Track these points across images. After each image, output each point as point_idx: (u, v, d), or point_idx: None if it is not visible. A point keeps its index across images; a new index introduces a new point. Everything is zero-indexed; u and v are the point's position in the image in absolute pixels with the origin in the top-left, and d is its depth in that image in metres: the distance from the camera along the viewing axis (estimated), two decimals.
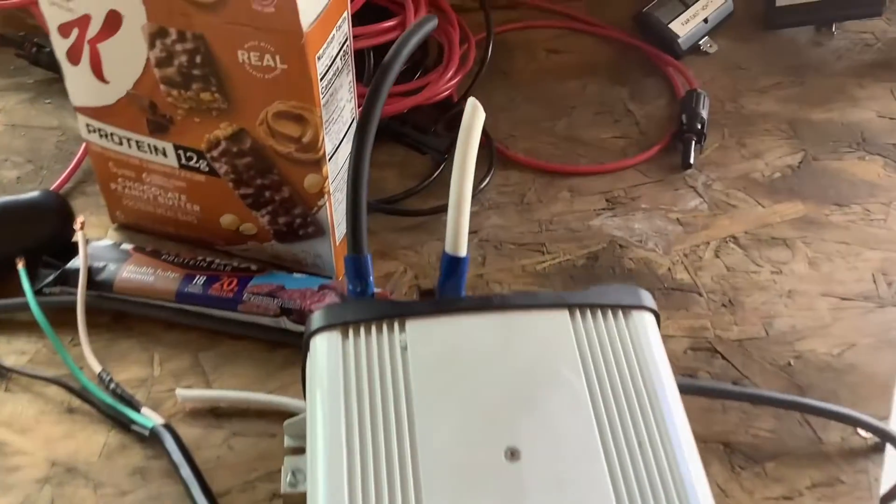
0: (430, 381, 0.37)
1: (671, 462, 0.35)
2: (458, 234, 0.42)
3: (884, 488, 0.46)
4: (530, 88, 0.69)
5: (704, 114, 0.64)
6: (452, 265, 0.42)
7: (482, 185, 0.60)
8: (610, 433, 0.36)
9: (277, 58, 0.41)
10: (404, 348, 0.38)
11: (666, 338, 0.51)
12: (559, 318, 0.40)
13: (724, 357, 0.51)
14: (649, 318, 0.40)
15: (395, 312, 0.40)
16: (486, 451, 0.35)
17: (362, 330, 0.39)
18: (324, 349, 0.39)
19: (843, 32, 0.74)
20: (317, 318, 0.39)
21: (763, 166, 0.63)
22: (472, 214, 0.59)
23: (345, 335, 0.39)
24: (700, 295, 0.54)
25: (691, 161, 0.62)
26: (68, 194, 0.58)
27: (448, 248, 0.42)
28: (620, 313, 0.40)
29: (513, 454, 0.35)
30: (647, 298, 0.41)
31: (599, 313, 0.40)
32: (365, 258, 0.43)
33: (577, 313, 0.40)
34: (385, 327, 0.39)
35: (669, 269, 0.56)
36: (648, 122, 0.66)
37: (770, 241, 0.58)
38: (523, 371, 0.38)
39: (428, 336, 0.39)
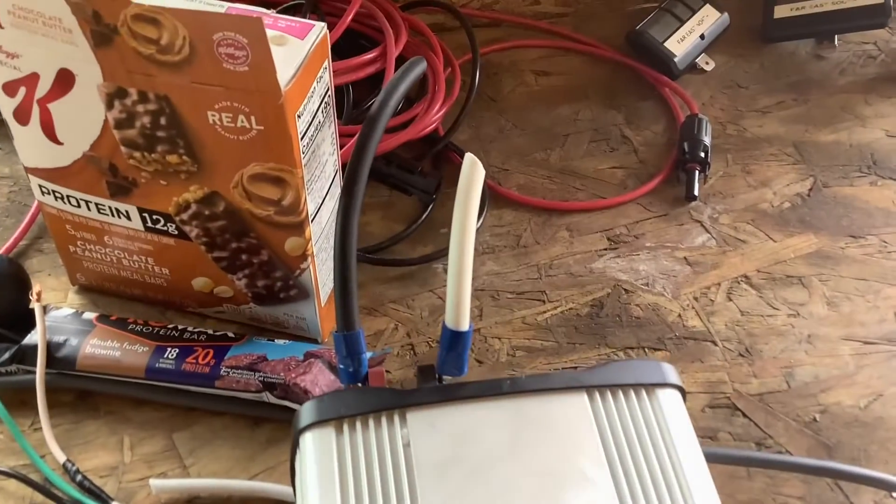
0: (437, 484, 0.33)
1: None
2: (460, 307, 0.37)
3: None
4: (520, 115, 0.64)
5: (707, 140, 0.60)
6: (454, 340, 0.38)
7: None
8: None
9: (253, 119, 0.37)
10: (406, 445, 0.34)
11: None
12: (577, 403, 0.36)
13: (745, 415, 0.47)
14: (675, 397, 0.37)
15: (394, 403, 0.35)
16: None
17: (358, 424, 0.35)
18: (315, 447, 0.34)
19: (844, 44, 0.71)
20: (306, 413, 0.35)
21: (772, 196, 0.59)
22: None
23: (339, 431, 0.35)
24: (715, 344, 0.50)
25: (696, 193, 0.58)
26: (23, 253, 0.53)
27: (449, 322, 0.38)
28: (644, 393, 0.36)
29: None
30: (672, 374, 0.37)
31: (621, 394, 0.36)
32: (357, 334, 0.39)
33: (597, 395, 0.36)
34: (384, 420, 0.35)
35: (680, 315, 0.52)
36: (647, 149, 0.62)
37: (785, 279, 0.54)
38: (541, 470, 0.34)
39: (432, 429, 0.35)
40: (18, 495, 0.43)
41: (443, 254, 0.53)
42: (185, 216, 0.43)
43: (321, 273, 0.46)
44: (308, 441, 0.35)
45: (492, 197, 0.58)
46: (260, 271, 0.45)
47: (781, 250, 0.56)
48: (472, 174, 0.37)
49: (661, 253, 0.55)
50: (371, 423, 0.35)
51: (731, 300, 0.53)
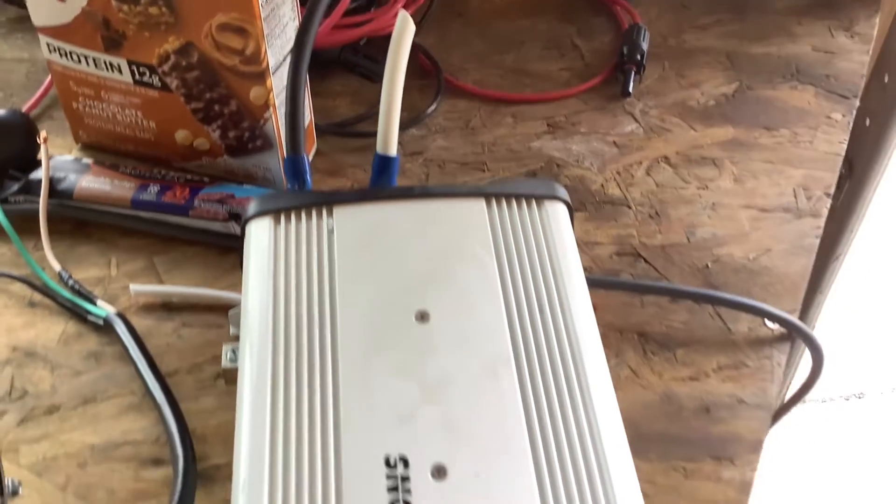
0: (353, 259, 0.41)
1: (569, 328, 0.38)
2: (389, 134, 0.45)
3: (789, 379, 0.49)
4: (482, 26, 0.72)
5: (644, 46, 0.67)
6: (383, 164, 0.45)
7: (429, 111, 0.63)
8: (514, 302, 0.39)
9: None
10: (331, 231, 0.42)
11: (593, 244, 0.55)
12: (476, 206, 0.43)
13: (646, 261, 0.54)
14: (562, 209, 0.44)
15: (324, 200, 0.43)
16: (398, 314, 0.39)
17: (293, 216, 0.43)
18: (257, 234, 0.42)
19: None
20: (252, 206, 0.43)
21: (699, 95, 0.66)
22: (419, 138, 0.62)
23: (277, 221, 0.42)
24: (629, 207, 0.58)
25: (630, 90, 0.65)
26: (36, 119, 0.62)
27: (379, 148, 0.45)
28: (534, 203, 0.44)
29: (423, 316, 0.38)
30: (561, 190, 0.44)
31: (514, 202, 0.44)
32: (302, 158, 0.46)
33: (493, 202, 0.43)
34: (314, 213, 0.43)
35: (602, 185, 0.59)
36: (593, 56, 0.70)
37: (700, 160, 0.61)
38: (438, 249, 0.41)
39: (353, 220, 0.42)
40: (20, 296, 0.51)
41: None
42: (166, 67, 0.51)
43: (282, 124, 0.54)
44: (252, 228, 0.43)
45: (448, 89, 0.66)
46: (230, 122, 0.53)
47: (701, 138, 0.63)
48: (404, 26, 0.44)
49: (593, 137, 0.63)
50: (303, 214, 0.43)
51: (649, 175, 0.60)
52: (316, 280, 0.40)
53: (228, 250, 0.53)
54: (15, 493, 0.38)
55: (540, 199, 0.44)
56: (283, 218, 0.42)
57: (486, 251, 0.41)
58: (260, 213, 0.43)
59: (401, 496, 0.33)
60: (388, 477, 0.33)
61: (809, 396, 2.00)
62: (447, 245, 0.41)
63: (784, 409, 0.60)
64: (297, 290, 0.40)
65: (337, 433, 0.35)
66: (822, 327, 1.92)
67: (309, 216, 0.43)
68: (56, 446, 0.44)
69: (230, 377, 0.46)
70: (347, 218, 0.42)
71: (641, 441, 0.45)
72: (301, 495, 0.33)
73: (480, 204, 0.43)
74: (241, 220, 0.52)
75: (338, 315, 0.38)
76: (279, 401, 0.36)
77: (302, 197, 0.43)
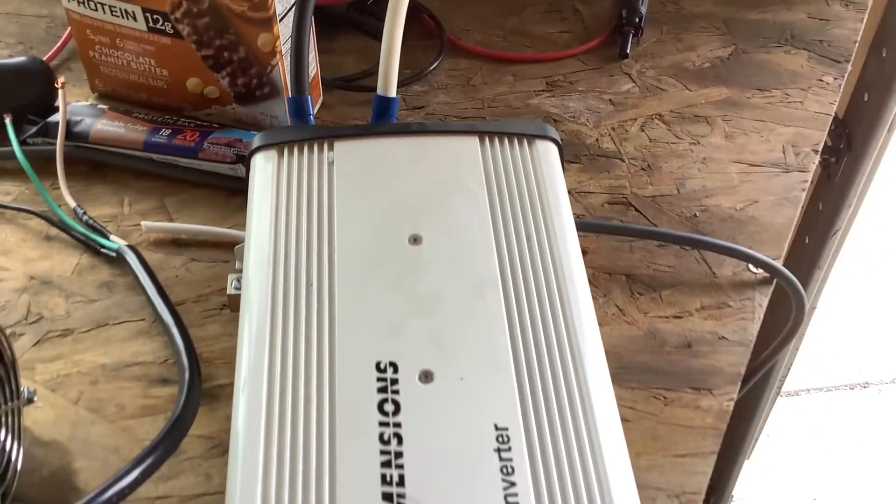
0: (351, 189, 0.43)
1: (555, 255, 0.40)
2: (388, 76, 0.47)
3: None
4: None
5: (643, 9, 0.69)
6: (383, 105, 0.48)
7: (431, 67, 0.66)
8: (503, 229, 0.41)
9: None
10: (331, 163, 0.44)
11: (586, 193, 0.57)
12: (469, 143, 0.45)
13: (637, 209, 0.56)
14: (552, 148, 0.46)
15: (325, 134, 0.45)
16: (392, 237, 0.41)
17: (296, 149, 0.45)
18: (262, 165, 0.45)
19: None
20: (257, 139, 0.45)
21: (695, 58, 0.68)
22: (421, 93, 0.65)
23: (280, 154, 0.45)
24: (622, 160, 0.60)
25: (628, 51, 0.67)
26: (54, 70, 0.64)
27: (379, 90, 0.47)
28: (525, 141, 0.46)
29: (415, 240, 0.41)
30: (551, 130, 0.46)
31: (506, 140, 0.46)
32: (306, 98, 0.48)
33: (486, 139, 0.46)
34: (316, 147, 0.45)
35: (597, 139, 0.61)
36: (594, 20, 0.72)
37: (693, 118, 0.63)
38: (433, 181, 0.43)
39: (352, 153, 0.45)
40: (38, 230, 0.53)
41: (400, 86, 0.63)
42: (178, 14, 0.54)
43: (288, 68, 0.56)
44: (257, 160, 0.45)
45: (451, 48, 0.68)
46: (239, 69, 0.56)
47: (695, 98, 0.65)
48: None
49: (590, 95, 0.65)
50: (305, 148, 0.45)
51: (643, 131, 0.62)
52: (316, 207, 0.42)
53: (235, 192, 0.56)
54: (30, 400, 0.41)
55: (531, 137, 0.46)
56: (286, 150, 0.45)
57: (478, 183, 0.43)
58: (265, 146, 0.45)
59: (389, 396, 0.35)
60: (379, 380, 0.36)
61: (814, 386, 1.99)
62: (441, 177, 0.44)
63: (769, 356, 0.62)
64: (298, 217, 0.42)
65: (332, 342, 0.37)
66: (825, 310, 1.93)
67: (311, 149, 0.45)
68: (69, 365, 0.46)
69: (235, 305, 0.48)
70: (347, 151, 0.45)
71: (624, 371, 0.47)
72: (297, 394, 0.35)
73: (474, 140, 0.45)
74: (246, 161, 0.55)
75: (336, 238, 0.41)
76: (279, 314, 0.38)
77: (305, 131, 0.46)
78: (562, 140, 0.61)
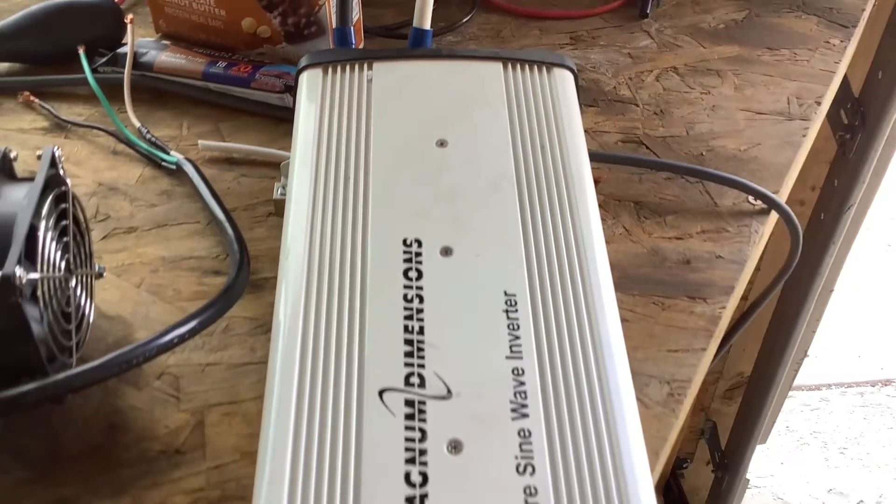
0: (386, 102, 0.49)
1: (565, 161, 0.46)
2: (424, 10, 0.53)
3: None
4: None
5: None
6: (418, 36, 0.53)
7: (464, 20, 0.71)
8: (520, 137, 0.47)
9: None
10: (370, 81, 0.50)
11: (601, 133, 0.62)
12: (493, 67, 0.51)
13: (648, 147, 0.61)
14: (568, 76, 0.51)
15: (365, 56, 0.51)
16: (421, 141, 0.46)
17: (339, 68, 0.51)
18: (309, 81, 0.50)
19: None
20: (304, 59, 0.51)
21: (711, 19, 0.73)
22: (453, 43, 0.70)
23: (325, 72, 0.50)
24: (637, 106, 0.65)
25: (648, 11, 0.72)
26: (124, 12, 0.70)
27: (415, 22, 0.53)
28: (544, 68, 0.51)
29: (441, 143, 0.46)
30: (568, 60, 0.51)
31: (527, 66, 0.51)
32: (349, 29, 0.54)
33: (509, 65, 0.51)
34: (357, 66, 0.51)
35: (615, 87, 0.66)
36: None
37: (705, 71, 0.68)
38: (459, 97, 0.49)
39: (389, 73, 0.50)
40: (105, 145, 0.60)
41: (435, 36, 0.69)
42: None
43: (334, 9, 0.62)
44: (304, 77, 0.51)
45: (483, 4, 0.74)
46: (290, 8, 0.61)
47: (708, 54, 0.70)
48: None
49: (611, 49, 0.70)
50: (347, 67, 0.51)
51: (658, 81, 0.67)
52: (355, 116, 0.48)
53: (282, 121, 0.62)
54: (100, 274, 0.47)
55: (549, 65, 0.51)
56: (330, 69, 0.50)
57: (500, 100, 0.49)
58: (311, 65, 0.51)
59: (414, 266, 0.40)
60: (405, 252, 0.41)
61: (836, 381, 2.02)
62: (467, 94, 0.49)
63: (767, 291, 0.67)
64: (339, 124, 0.48)
65: (365, 221, 0.42)
66: (845, 301, 1.94)
67: (352, 69, 0.50)
68: (133, 256, 0.52)
69: (279, 209, 0.54)
70: (384, 71, 0.50)
71: (627, 281, 0.52)
72: (333, 264, 0.41)
73: (498, 65, 0.51)
74: (293, 91, 0.61)
75: (371, 141, 0.46)
76: (319, 200, 0.43)
77: (347, 53, 0.51)
78: (581, 87, 0.66)
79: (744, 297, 1.13)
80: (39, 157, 0.41)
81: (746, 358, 1.35)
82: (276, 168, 0.58)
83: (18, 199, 0.39)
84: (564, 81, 0.51)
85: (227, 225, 0.51)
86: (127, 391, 0.46)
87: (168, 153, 0.58)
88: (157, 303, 0.50)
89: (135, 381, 0.46)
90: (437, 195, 0.44)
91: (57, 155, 0.41)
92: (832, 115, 1.00)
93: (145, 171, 0.58)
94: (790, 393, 1.91)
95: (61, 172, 0.42)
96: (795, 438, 1.90)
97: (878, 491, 1.77)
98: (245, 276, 0.46)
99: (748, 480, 1.63)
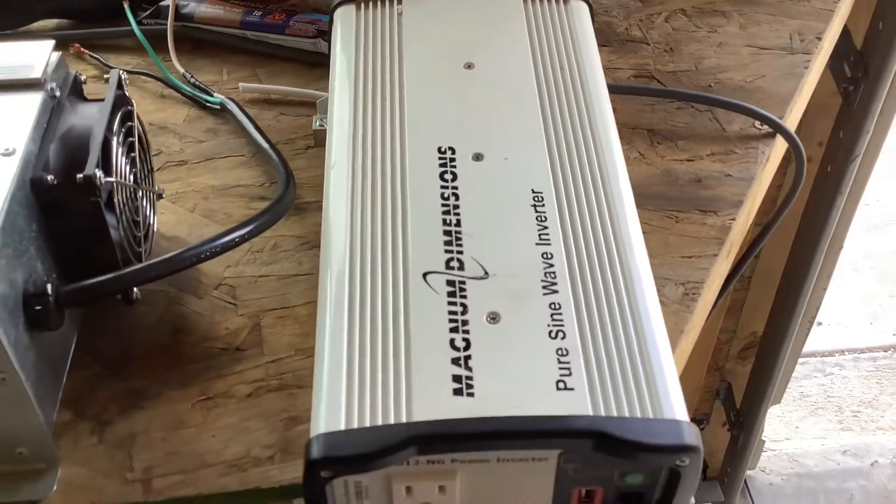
0: (416, 31, 0.53)
1: (584, 81, 0.50)
2: None
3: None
4: None
5: None
6: None
7: None
8: (540, 58, 0.51)
9: None
10: (400, 14, 0.54)
11: (615, 69, 0.66)
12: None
13: (659, 81, 0.65)
14: (583, 6, 0.55)
15: None
16: (450, 64, 0.50)
17: (371, 4, 0.55)
18: (343, 16, 0.54)
19: None
20: None
21: None
22: None
23: (358, 7, 0.55)
24: (647, 45, 0.69)
25: None
26: None
27: None
28: (562, 2, 0.55)
29: (469, 66, 0.50)
30: None
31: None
32: None
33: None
34: (388, 2, 0.55)
35: (626, 28, 0.70)
36: None
37: (712, 12, 0.72)
38: (484, 26, 0.53)
39: (418, 7, 0.54)
40: (153, 90, 0.64)
41: None
42: None
43: None
44: (338, 14, 0.55)
45: None
46: None
47: None
48: None
49: None
50: (379, 3, 0.55)
51: (667, 22, 0.71)
52: (388, 46, 0.52)
53: (316, 65, 0.66)
54: (160, 195, 0.51)
55: None
56: (362, 5, 0.55)
57: (521, 28, 0.53)
58: (345, 2, 0.55)
59: (448, 169, 0.45)
60: (440, 159, 0.45)
61: (849, 347, 2.03)
62: (491, 24, 0.53)
63: (778, 213, 0.70)
64: (374, 54, 0.52)
65: (402, 135, 0.46)
66: (856, 265, 1.96)
67: (384, 4, 0.55)
68: (185, 186, 0.57)
69: (319, 140, 0.58)
70: (412, 4, 0.54)
71: (642, 198, 0.56)
72: (375, 172, 0.45)
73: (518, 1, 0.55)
74: (324, 35, 0.65)
75: (404, 65, 0.50)
76: (359, 117, 0.48)
77: None
78: (594, 29, 0.70)
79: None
80: (107, 80, 0.45)
81: (759, 317, 1.38)
82: (313, 107, 0.62)
83: (92, 113, 0.43)
84: (580, 12, 0.55)
85: (271, 152, 0.55)
86: (189, 300, 0.50)
87: (212, 95, 0.62)
88: (210, 225, 0.54)
89: (195, 291, 0.50)
90: (467, 108, 0.48)
91: (122, 77, 0.45)
92: (836, 69, 1.03)
93: (191, 111, 0.62)
94: (804, 360, 1.95)
95: (126, 94, 0.46)
96: (809, 403, 1.93)
97: (892, 451, 1.80)
98: (292, 190, 0.50)
99: (763, 442, 1.67)
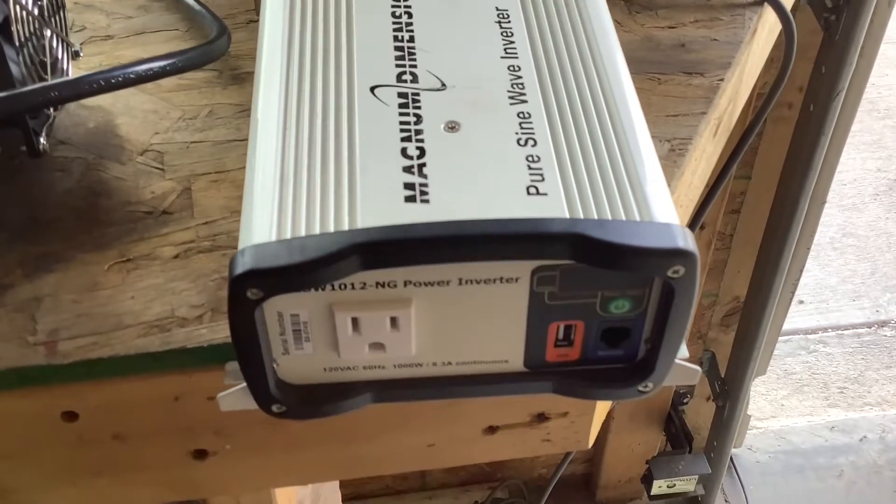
0: None
1: None
2: None
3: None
4: None
5: None
6: None
7: None
8: None
9: None
10: None
11: None
12: None
13: None
14: None
15: None
16: None
17: None
18: None
19: None
20: None
21: None
22: None
23: None
24: None
25: None
26: None
27: None
28: None
29: None
30: None
31: None
32: None
33: None
34: None
35: None
36: None
37: None
38: None
39: None
40: None
41: None
42: None
43: None
44: None
45: None
46: None
47: None
48: None
49: None
50: None
51: None
52: None
53: None
54: (77, 54, 0.45)
55: None
56: None
57: None
58: None
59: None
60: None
61: (832, 324, 1.99)
62: None
63: (763, 107, 0.65)
64: None
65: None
66: (832, 241, 1.92)
67: None
68: (111, 59, 0.51)
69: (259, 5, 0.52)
70: None
71: None
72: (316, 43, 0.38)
73: None
74: None
75: None
76: None
77: None
78: None
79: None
80: None
81: (741, 281, 1.33)
82: None
83: None
84: None
85: (205, 12, 0.49)
86: (110, 165, 0.44)
87: None
88: (137, 94, 0.48)
89: (117, 157, 0.44)
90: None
91: None
92: (815, 4, 0.99)
93: None
94: (787, 337, 1.91)
95: None
96: (795, 380, 1.88)
97: (880, 426, 1.77)
98: (227, 39, 0.44)
99: (749, 417, 1.62)
